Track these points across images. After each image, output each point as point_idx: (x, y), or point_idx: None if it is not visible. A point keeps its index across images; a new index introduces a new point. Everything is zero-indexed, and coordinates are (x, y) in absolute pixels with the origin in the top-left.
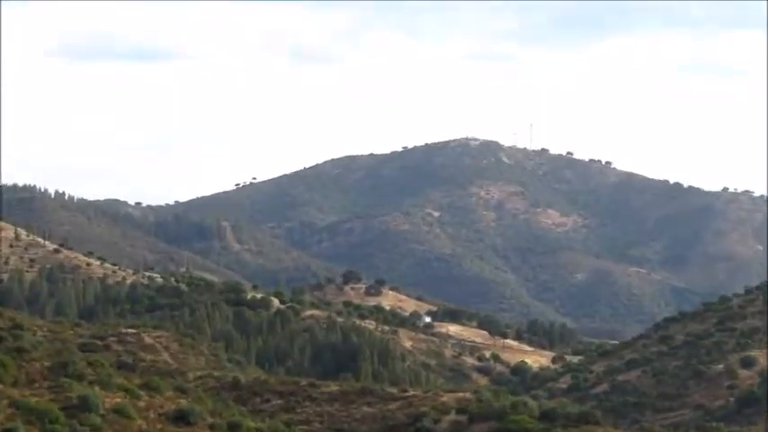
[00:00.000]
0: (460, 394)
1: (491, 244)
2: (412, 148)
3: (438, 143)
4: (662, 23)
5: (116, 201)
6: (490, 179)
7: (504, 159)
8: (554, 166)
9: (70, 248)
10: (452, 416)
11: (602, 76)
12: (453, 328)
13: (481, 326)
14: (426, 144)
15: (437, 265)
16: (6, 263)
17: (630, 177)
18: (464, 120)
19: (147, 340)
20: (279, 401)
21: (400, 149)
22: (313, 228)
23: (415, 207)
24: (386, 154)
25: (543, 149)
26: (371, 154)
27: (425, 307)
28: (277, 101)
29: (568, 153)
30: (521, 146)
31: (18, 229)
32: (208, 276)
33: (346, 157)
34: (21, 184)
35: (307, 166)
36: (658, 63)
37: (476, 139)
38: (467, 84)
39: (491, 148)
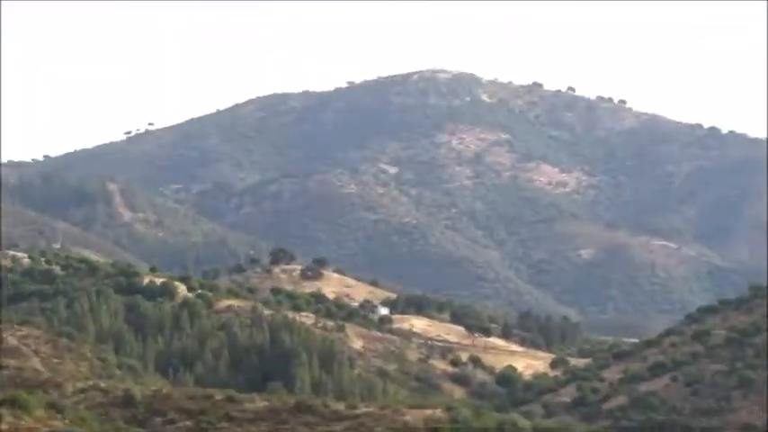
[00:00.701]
0: (429, 412)
1: (467, 210)
2: (360, 84)
3: (395, 77)
4: None
5: None
6: (465, 124)
7: (484, 97)
8: (550, 107)
9: None
10: None
11: None
12: (419, 323)
13: (456, 319)
14: (379, 78)
15: (396, 240)
16: None
17: (652, 121)
18: (428, 47)
19: (11, 341)
20: (186, 422)
21: (344, 86)
22: (230, 190)
23: (366, 162)
24: (325, 92)
25: (535, 84)
26: (306, 92)
27: (381, 295)
28: (181, 30)
29: (569, 89)
30: (505, 80)
31: None
32: (90, 255)
33: (273, 95)
34: None
35: (220, 109)
36: None
37: (445, 71)
38: None
39: (465, 82)
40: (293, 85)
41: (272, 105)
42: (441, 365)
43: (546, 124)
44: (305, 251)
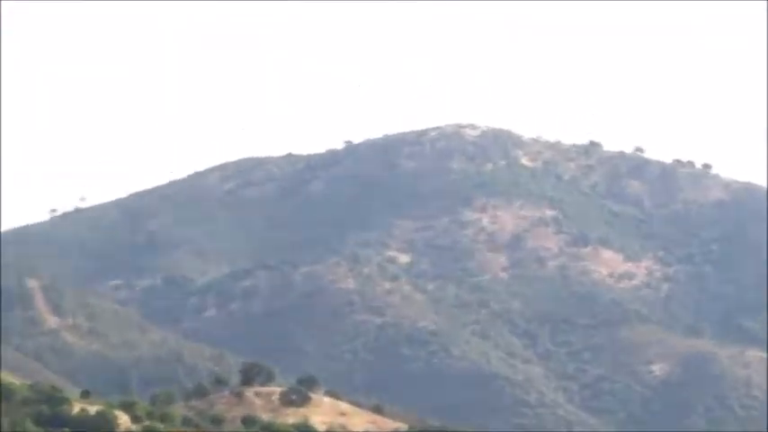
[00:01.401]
0: None
1: (502, 311)
2: (361, 145)
3: (406, 134)
4: None
5: None
6: (499, 196)
7: (524, 161)
8: (611, 173)
9: None
10: None
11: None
12: None
13: None
14: (386, 136)
15: (407, 351)
16: None
17: (747, 191)
18: (450, 95)
19: None
20: None
21: (340, 147)
22: (187, 287)
23: (368, 248)
24: (315, 155)
25: (592, 143)
26: (290, 155)
27: (387, 425)
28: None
29: (637, 150)
30: (551, 138)
31: None
32: (2, 375)
33: (245, 160)
34: None
35: (175, 178)
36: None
37: (473, 127)
38: (453, 40)
39: (500, 141)
40: (272, 147)
41: (245, 173)
42: None
43: (606, 197)
44: (287, 368)
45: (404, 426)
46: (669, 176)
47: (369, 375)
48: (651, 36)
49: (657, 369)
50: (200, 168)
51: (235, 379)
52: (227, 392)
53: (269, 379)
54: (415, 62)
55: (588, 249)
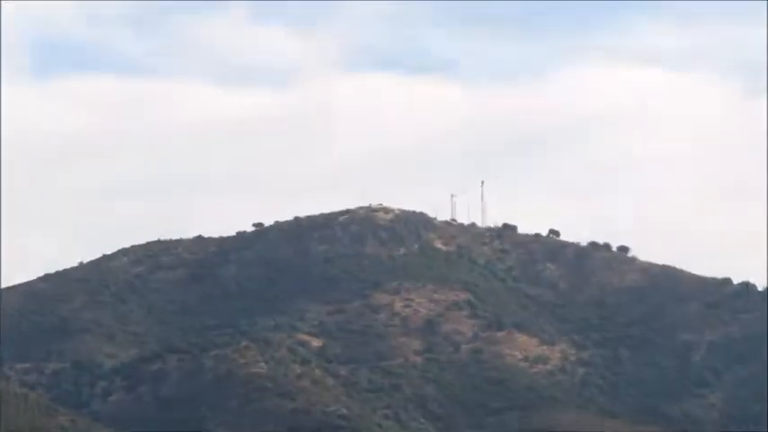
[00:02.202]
0: None
1: (415, 396)
2: (271, 228)
3: (316, 217)
4: None
5: None
6: (413, 279)
7: (438, 244)
8: (527, 257)
9: None
10: None
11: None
12: None
13: None
14: (296, 219)
15: None
16: None
17: (664, 275)
18: (361, 178)
19: None
20: None
21: (249, 230)
22: (95, 371)
23: (280, 331)
24: (225, 238)
25: (507, 227)
26: (199, 237)
27: None
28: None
29: (551, 233)
30: (465, 220)
31: None
32: None
33: (154, 243)
34: None
35: (84, 261)
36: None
37: (387, 210)
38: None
39: (413, 224)
40: (181, 230)
41: (154, 256)
42: None
43: (521, 280)
44: None
45: None
46: (585, 259)
47: None
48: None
49: None
50: (109, 251)
51: None
52: None
53: None
54: (325, 144)
55: (503, 333)
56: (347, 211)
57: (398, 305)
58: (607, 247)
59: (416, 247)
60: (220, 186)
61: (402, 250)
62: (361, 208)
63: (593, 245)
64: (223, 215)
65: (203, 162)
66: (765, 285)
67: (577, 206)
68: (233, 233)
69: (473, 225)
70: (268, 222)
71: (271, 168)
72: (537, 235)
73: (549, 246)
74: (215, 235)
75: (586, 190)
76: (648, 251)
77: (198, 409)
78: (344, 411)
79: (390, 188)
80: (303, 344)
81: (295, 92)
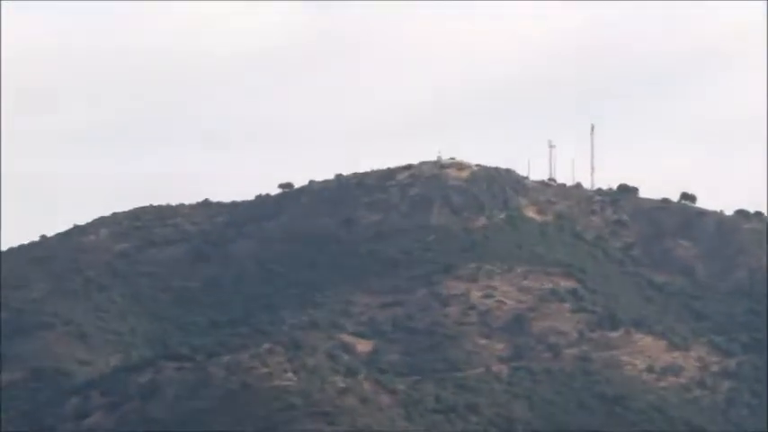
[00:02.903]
0: None
1: (499, 419)
2: (303, 190)
3: (366, 176)
4: None
5: None
6: (498, 261)
7: (531, 213)
8: (652, 231)
9: None
10: None
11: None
12: None
13: None
14: (338, 178)
15: None
16: None
17: None
18: (424, 126)
19: None
20: None
21: (274, 192)
22: (65, 382)
23: (315, 330)
24: (240, 203)
25: (625, 188)
26: (206, 202)
27: None
28: None
29: (685, 198)
30: (566, 182)
31: None
32: None
33: (146, 209)
34: None
35: (50, 235)
36: None
37: (462, 165)
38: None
39: (496, 186)
40: (182, 192)
41: (143, 228)
42: None
43: (643, 262)
44: None
45: None
46: (730, 234)
47: None
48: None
49: None
50: (82, 221)
51: None
52: None
53: None
54: (374, 79)
55: (619, 334)
56: (407, 168)
57: (477, 296)
58: (759, 216)
59: (502, 216)
60: (234, 134)
61: (482, 221)
62: (425, 163)
63: (742, 214)
64: (238, 172)
65: (209, 103)
66: None
67: (720, 162)
68: (251, 197)
69: (578, 186)
70: (299, 182)
71: (301, 111)
72: (665, 201)
73: (682, 215)
74: (226, 199)
75: (732, 141)
76: None
77: None
78: None
79: (465, 136)
80: (347, 348)
81: (333, 8)
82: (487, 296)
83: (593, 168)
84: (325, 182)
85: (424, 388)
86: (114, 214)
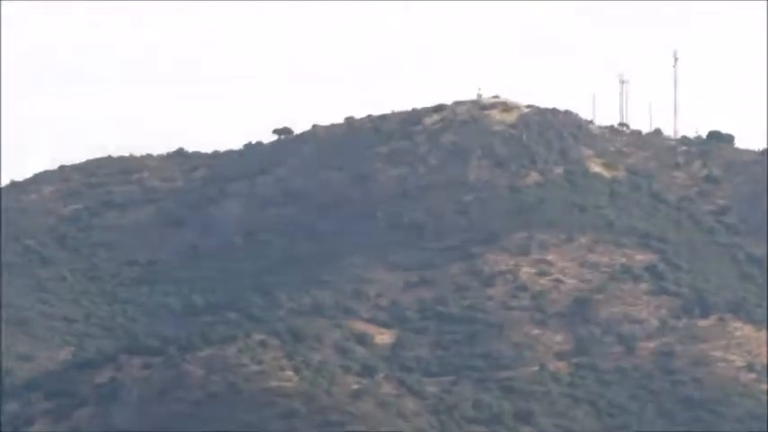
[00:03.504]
0: None
1: (559, 429)
2: (304, 137)
3: (385, 117)
4: None
5: None
6: (555, 228)
7: (597, 168)
8: (752, 191)
9: None
10: None
11: None
12: None
13: None
14: (348, 121)
15: None
16: None
17: None
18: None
19: None
20: None
21: (268, 140)
22: (2, 385)
23: (320, 315)
24: (224, 153)
25: (717, 136)
26: (180, 151)
27: None
28: None
29: None
30: (643, 126)
31: None
32: None
33: (103, 160)
34: None
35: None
36: None
37: (508, 105)
38: None
39: (552, 130)
40: (149, 139)
41: (100, 186)
42: None
43: (741, 231)
44: None
45: None
46: None
47: None
48: None
49: None
50: (19, 176)
51: None
52: None
53: None
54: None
55: (711, 322)
56: (438, 108)
57: (528, 273)
58: None
59: (559, 171)
60: (216, 67)
61: (534, 177)
62: (460, 103)
63: None
64: (221, 114)
65: (184, 26)
66: None
67: None
68: (238, 146)
69: (658, 133)
70: (299, 127)
71: (302, 37)
72: (767, 151)
73: None
74: (206, 148)
75: None
76: None
77: None
78: None
79: (512, 70)
80: (362, 339)
81: None
82: (541, 273)
83: (676, 111)
84: (333, 126)
85: (461, 391)
86: (62, 168)
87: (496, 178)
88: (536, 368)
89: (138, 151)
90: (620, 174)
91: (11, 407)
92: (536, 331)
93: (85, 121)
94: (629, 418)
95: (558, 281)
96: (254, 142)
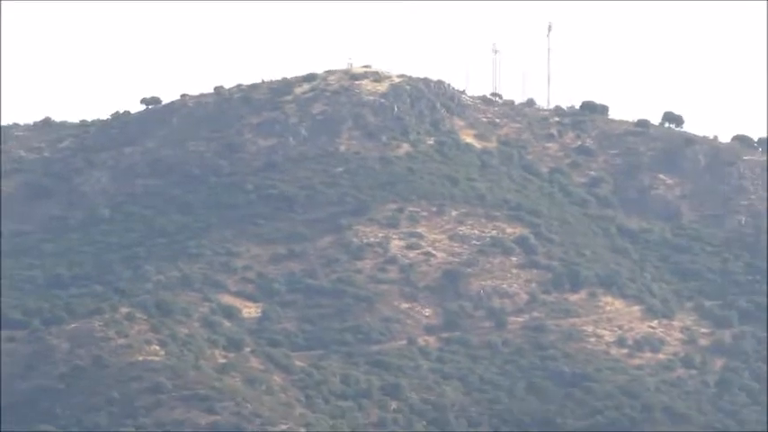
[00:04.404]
0: None
1: (426, 406)
2: (171, 106)
3: (253, 87)
4: None
5: None
6: (425, 200)
7: (469, 138)
8: (626, 163)
9: None
10: None
11: None
12: None
13: None
14: (217, 90)
15: None
16: None
17: None
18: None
19: None
20: None
21: (135, 110)
22: None
23: (185, 287)
24: (90, 123)
25: (590, 107)
26: (46, 121)
27: None
28: None
29: (668, 120)
30: (516, 96)
31: None
32: None
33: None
34: None
35: None
36: None
37: (380, 75)
38: None
39: (423, 99)
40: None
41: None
42: None
43: (614, 204)
44: None
45: None
46: (726, 167)
47: None
48: None
49: None
50: None
51: None
52: None
53: None
54: None
55: (582, 296)
56: (309, 78)
57: (397, 245)
58: (764, 144)
59: (430, 142)
60: (81, 34)
61: (405, 148)
62: (331, 72)
63: (742, 141)
64: (88, 84)
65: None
66: None
67: (715, 76)
68: (105, 116)
69: (531, 104)
70: (167, 97)
71: (169, 6)
72: (642, 123)
73: (665, 142)
74: (73, 118)
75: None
76: None
77: (38, 426)
78: (302, 431)
79: (384, 39)
80: (228, 313)
81: None
82: (411, 246)
83: (549, 81)
84: (202, 96)
85: (329, 366)
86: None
87: (367, 149)
88: (405, 342)
89: (4, 121)
90: (492, 145)
91: None
92: (405, 305)
93: None
94: (499, 394)
95: (428, 254)
96: (121, 111)
